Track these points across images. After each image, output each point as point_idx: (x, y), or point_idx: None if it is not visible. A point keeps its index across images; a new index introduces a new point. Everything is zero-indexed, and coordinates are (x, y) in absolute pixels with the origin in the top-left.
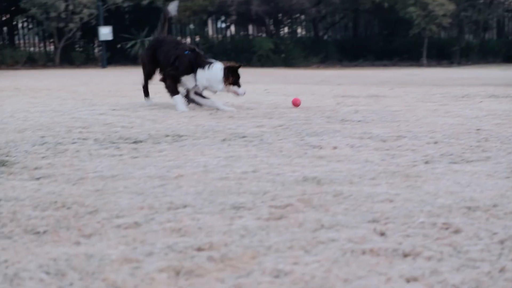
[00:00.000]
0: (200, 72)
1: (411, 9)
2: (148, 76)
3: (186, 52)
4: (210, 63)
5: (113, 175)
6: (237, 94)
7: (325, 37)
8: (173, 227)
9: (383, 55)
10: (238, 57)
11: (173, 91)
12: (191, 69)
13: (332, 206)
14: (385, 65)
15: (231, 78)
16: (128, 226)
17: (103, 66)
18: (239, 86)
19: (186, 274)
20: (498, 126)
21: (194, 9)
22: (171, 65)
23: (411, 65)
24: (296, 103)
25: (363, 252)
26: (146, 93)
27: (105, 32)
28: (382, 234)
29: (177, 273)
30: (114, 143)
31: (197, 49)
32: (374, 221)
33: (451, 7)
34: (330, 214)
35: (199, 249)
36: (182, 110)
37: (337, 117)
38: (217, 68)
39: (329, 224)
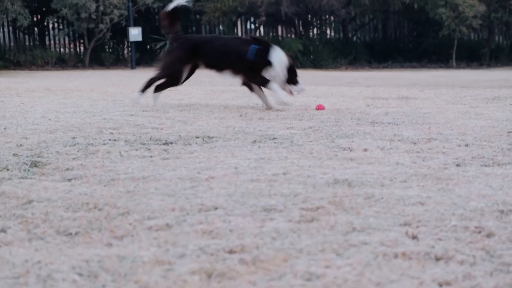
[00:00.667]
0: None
1: (441, 10)
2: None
3: (255, 46)
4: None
5: (144, 177)
6: (290, 91)
7: (354, 38)
8: (204, 229)
9: (412, 57)
10: None
11: (264, 81)
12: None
13: (364, 209)
14: (414, 67)
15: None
16: (160, 227)
17: (132, 67)
18: (295, 84)
19: (218, 276)
20: None
21: (223, 10)
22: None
23: (440, 67)
24: (320, 109)
25: (395, 256)
26: (147, 88)
27: (135, 33)
28: (414, 237)
29: (209, 275)
30: (144, 144)
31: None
32: (405, 224)
33: (482, 8)
34: (362, 216)
35: (231, 252)
36: (286, 100)
37: (367, 119)
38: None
39: (361, 227)
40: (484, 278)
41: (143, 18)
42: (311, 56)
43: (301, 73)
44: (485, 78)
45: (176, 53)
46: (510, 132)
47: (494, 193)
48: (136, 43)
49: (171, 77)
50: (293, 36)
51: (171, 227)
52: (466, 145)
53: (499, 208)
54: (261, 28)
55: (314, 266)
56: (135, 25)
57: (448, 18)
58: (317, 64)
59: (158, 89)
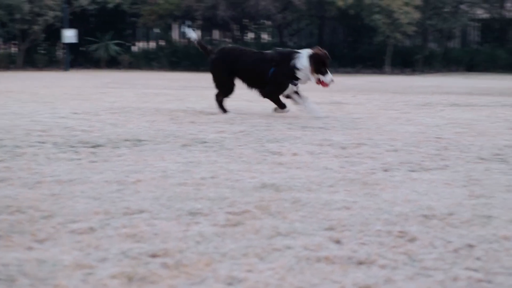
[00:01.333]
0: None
1: (377, 16)
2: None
3: (272, 70)
4: (297, 56)
5: (71, 180)
6: (323, 83)
7: (290, 43)
8: (128, 232)
9: (347, 62)
10: (202, 62)
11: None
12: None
13: (290, 213)
14: (348, 72)
15: (314, 66)
16: (83, 231)
17: (66, 69)
18: (323, 74)
19: (139, 280)
20: (458, 134)
21: (160, 13)
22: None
23: (374, 73)
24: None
25: (318, 260)
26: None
27: (69, 35)
28: (338, 242)
29: (130, 279)
30: (73, 147)
31: (277, 52)
32: (330, 228)
33: (416, 15)
34: (287, 221)
35: (154, 256)
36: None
37: (298, 124)
38: (303, 58)
39: (286, 231)
40: (405, 282)
41: (78, 20)
42: None
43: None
44: (418, 84)
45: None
46: (438, 138)
47: (419, 198)
48: (71, 45)
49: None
50: (229, 40)
51: (95, 230)
52: (395, 151)
53: (423, 213)
54: (198, 32)
55: (236, 271)
56: (70, 27)
57: (383, 24)
58: None
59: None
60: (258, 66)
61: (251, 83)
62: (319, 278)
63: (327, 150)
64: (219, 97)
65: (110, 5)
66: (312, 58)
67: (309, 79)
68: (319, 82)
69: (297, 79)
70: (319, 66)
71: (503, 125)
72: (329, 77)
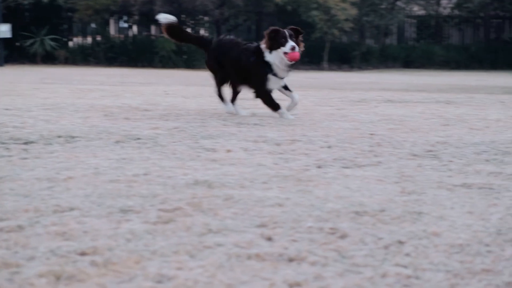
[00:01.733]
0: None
1: (314, 13)
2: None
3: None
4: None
5: (0, 177)
6: (287, 56)
7: None
8: (57, 230)
9: None
10: (139, 58)
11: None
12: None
13: (221, 210)
14: None
15: (270, 42)
16: (11, 229)
17: (1, 64)
18: (283, 45)
19: (67, 279)
20: (391, 131)
21: (96, 8)
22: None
23: (312, 69)
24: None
25: (249, 257)
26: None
27: (4, 30)
28: (269, 239)
29: (58, 278)
30: (3, 143)
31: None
32: (262, 225)
33: (353, 11)
34: (219, 218)
35: (83, 254)
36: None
37: (233, 120)
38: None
39: (217, 228)
40: (334, 279)
41: (13, 14)
42: (184, 56)
43: (173, 73)
44: (354, 80)
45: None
46: (372, 134)
47: (351, 195)
48: (5, 40)
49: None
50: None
51: (23, 228)
52: (329, 147)
53: (354, 210)
54: (134, 27)
55: (166, 268)
56: (4, 21)
57: (321, 20)
58: (190, 64)
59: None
60: (241, 59)
61: (236, 78)
62: (249, 275)
63: (261, 146)
64: (216, 89)
65: (45, 0)
66: (264, 39)
67: (281, 64)
68: (287, 55)
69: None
70: (272, 41)
71: (436, 122)
72: (288, 44)
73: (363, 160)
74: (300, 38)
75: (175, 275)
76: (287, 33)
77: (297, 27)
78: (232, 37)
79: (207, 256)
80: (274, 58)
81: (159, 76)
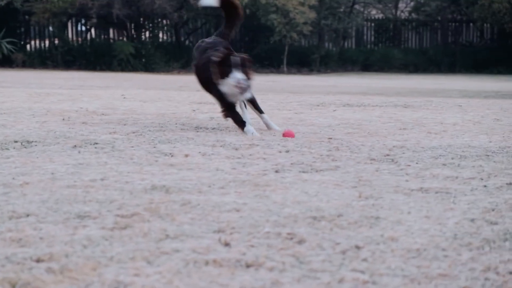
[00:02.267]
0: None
1: (273, 16)
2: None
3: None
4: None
5: None
6: (235, 86)
7: (187, 42)
8: (13, 237)
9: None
10: (98, 61)
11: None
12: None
13: (179, 216)
14: None
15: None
16: None
17: None
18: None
19: (22, 286)
20: (349, 135)
21: (53, 11)
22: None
23: (272, 72)
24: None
25: (206, 263)
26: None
27: None
28: (227, 244)
29: (13, 285)
30: None
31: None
32: (219, 231)
33: (312, 15)
34: (176, 223)
35: (39, 260)
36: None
37: (191, 124)
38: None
39: (174, 234)
40: (292, 285)
41: None
42: (143, 60)
43: (132, 77)
44: (314, 83)
45: None
46: (330, 138)
47: (309, 200)
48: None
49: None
50: (125, 39)
51: None
52: (287, 151)
53: (312, 215)
54: (92, 30)
55: (123, 275)
56: None
57: (279, 24)
58: (149, 67)
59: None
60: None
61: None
62: (206, 281)
63: (219, 151)
64: None
65: (2, 3)
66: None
67: (232, 93)
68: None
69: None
70: (220, 68)
71: (394, 125)
72: (234, 76)
73: (321, 164)
74: (249, 66)
75: (132, 281)
76: (233, 61)
77: (245, 57)
78: (213, 39)
79: (164, 262)
80: (224, 87)
81: (117, 80)
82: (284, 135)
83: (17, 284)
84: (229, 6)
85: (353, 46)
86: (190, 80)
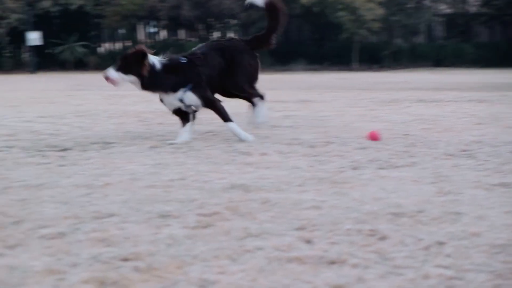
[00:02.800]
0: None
1: (341, 13)
2: None
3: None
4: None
5: (39, 184)
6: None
7: None
8: (98, 237)
9: (314, 60)
10: None
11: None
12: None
13: (259, 214)
14: (316, 69)
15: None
16: (53, 236)
17: (32, 71)
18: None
19: (111, 285)
20: (425, 131)
21: (123, 14)
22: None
23: (341, 69)
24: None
25: (289, 260)
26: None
27: (33, 37)
28: (309, 241)
29: (102, 284)
30: (40, 151)
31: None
32: (300, 228)
33: (380, 11)
34: (257, 222)
35: (125, 259)
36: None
37: (266, 123)
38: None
39: (256, 232)
40: (376, 281)
41: (42, 22)
42: None
43: None
44: (385, 80)
45: None
46: (406, 134)
47: (388, 196)
48: (36, 47)
49: None
50: (195, 39)
51: (65, 235)
52: (363, 148)
53: (392, 211)
54: (163, 32)
55: (208, 273)
56: (34, 29)
57: (348, 21)
58: None
59: None
60: None
61: None
62: (290, 278)
63: (295, 149)
64: None
65: (73, 7)
66: None
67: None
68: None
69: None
70: None
71: (469, 121)
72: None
73: (398, 161)
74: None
75: (217, 279)
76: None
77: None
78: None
79: (248, 260)
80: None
81: None
82: (370, 137)
83: (106, 283)
84: (273, 9)
85: (424, 42)
86: (262, 79)
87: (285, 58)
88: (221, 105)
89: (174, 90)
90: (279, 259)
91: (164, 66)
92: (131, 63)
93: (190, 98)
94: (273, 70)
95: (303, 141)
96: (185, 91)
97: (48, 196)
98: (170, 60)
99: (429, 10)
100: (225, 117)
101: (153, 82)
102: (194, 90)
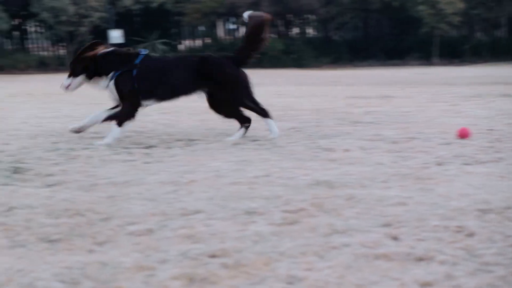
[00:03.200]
0: None
1: (421, 7)
2: None
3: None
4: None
5: (126, 181)
6: None
7: (336, 37)
8: (186, 233)
9: (393, 55)
10: None
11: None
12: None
13: (344, 210)
14: (396, 65)
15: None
16: (141, 233)
17: None
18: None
19: (200, 281)
20: (510, 126)
21: (203, 11)
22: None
23: (422, 64)
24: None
25: (376, 257)
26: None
27: (116, 35)
28: (395, 238)
29: (191, 280)
30: (126, 148)
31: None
32: (386, 225)
33: (461, 5)
34: (343, 218)
35: (212, 256)
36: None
37: (348, 119)
38: None
39: (342, 229)
40: (465, 278)
41: (124, 20)
42: (293, 56)
43: (283, 73)
44: (466, 75)
45: None
46: (490, 129)
47: (474, 192)
48: (117, 45)
49: None
50: (274, 36)
51: (153, 232)
52: (447, 144)
53: (479, 207)
54: (242, 29)
55: (295, 269)
56: (116, 27)
57: (428, 15)
58: (299, 63)
59: None
60: None
61: None
62: (378, 275)
63: (378, 145)
64: None
65: (154, 5)
66: None
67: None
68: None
69: None
70: None
71: None
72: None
73: (484, 156)
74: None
75: (305, 276)
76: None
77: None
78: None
79: (335, 257)
80: None
81: (270, 77)
82: (461, 134)
83: (195, 279)
84: (259, 25)
85: (505, 35)
86: (341, 74)
87: (364, 54)
88: (131, 109)
89: (106, 74)
90: (366, 255)
91: (107, 53)
92: (77, 64)
93: (111, 86)
94: (352, 66)
95: (385, 137)
96: (111, 78)
97: (135, 193)
98: (117, 49)
99: (511, 3)
100: (121, 121)
101: (94, 68)
102: (118, 80)
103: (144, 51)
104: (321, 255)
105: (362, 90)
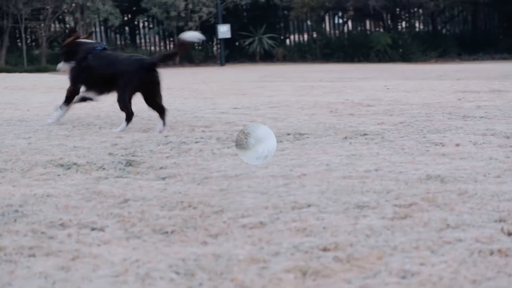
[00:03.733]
0: None
1: None
2: None
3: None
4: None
5: (237, 175)
6: None
7: (444, 31)
8: (298, 226)
9: (503, 48)
10: (355, 53)
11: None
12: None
13: (457, 205)
14: (505, 58)
15: None
16: (254, 226)
17: (222, 64)
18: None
19: (313, 274)
20: None
21: (311, 5)
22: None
23: None
24: None
25: (491, 253)
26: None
27: (224, 30)
28: (510, 234)
29: (304, 273)
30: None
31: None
32: (501, 220)
33: None
34: (455, 213)
35: (325, 249)
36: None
37: (458, 113)
38: None
39: (455, 224)
40: None
41: (232, 15)
42: (400, 50)
43: (390, 68)
44: None
45: None
46: None
47: None
48: (225, 40)
49: None
50: (381, 30)
51: (265, 225)
52: None
53: None
54: (349, 23)
55: (408, 264)
56: (224, 22)
57: None
58: (406, 57)
59: None
60: None
61: None
62: (494, 271)
63: (490, 139)
64: None
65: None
66: None
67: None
68: None
69: None
70: None
71: None
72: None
73: None
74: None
75: (419, 270)
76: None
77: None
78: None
79: (448, 252)
80: None
81: (376, 71)
82: None
83: (308, 272)
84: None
85: None
86: (450, 69)
87: (473, 48)
88: (72, 95)
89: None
90: (480, 251)
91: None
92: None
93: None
94: (461, 60)
95: (497, 132)
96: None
97: (246, 186)
98: (79, 41)
99: None
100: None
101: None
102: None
103: (101, 46)
104: (434, 250)
105: (471, 84)
